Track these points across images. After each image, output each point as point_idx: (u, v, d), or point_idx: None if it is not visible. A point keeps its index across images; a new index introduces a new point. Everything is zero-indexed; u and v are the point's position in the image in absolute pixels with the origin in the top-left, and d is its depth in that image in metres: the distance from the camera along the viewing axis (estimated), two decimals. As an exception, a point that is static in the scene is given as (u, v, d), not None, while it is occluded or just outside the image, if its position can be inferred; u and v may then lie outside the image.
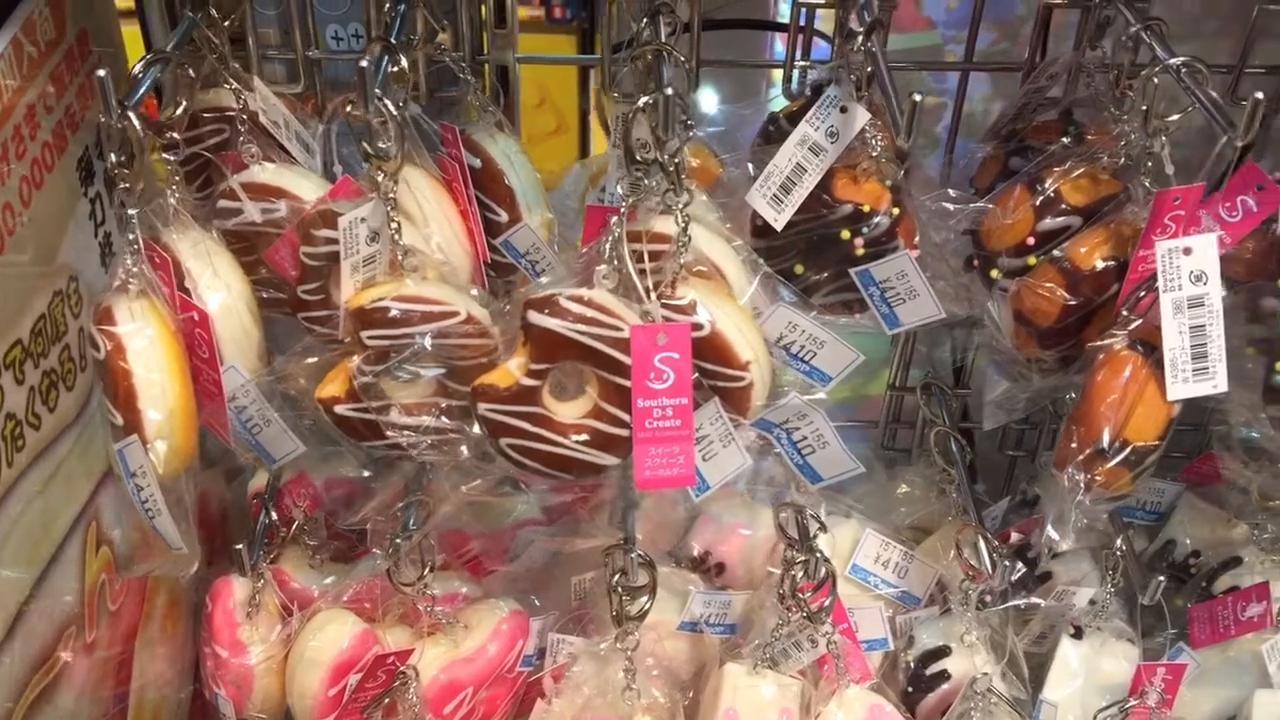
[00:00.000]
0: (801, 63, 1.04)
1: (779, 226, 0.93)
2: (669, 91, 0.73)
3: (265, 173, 0.93)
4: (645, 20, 0.89)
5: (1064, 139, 0.98)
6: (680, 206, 0.79)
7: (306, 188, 0.93)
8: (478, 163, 0.95)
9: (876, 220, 0.93)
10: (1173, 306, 0.83)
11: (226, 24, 0.93)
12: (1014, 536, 1.27)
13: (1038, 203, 0.95)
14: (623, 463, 0.84)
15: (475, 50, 1.02)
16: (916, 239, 0.95)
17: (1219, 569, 1.21)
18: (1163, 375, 0.84)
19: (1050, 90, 1.04)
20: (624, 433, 0.81)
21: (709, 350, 0.83)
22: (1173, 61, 0.84)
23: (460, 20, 1.00)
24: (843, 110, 0.90)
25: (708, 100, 1.27)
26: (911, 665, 1.14)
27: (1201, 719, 1.14)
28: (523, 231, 0.95)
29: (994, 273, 0.97)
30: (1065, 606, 1.17)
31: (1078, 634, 1.15)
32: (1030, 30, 1.11)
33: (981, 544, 1.05)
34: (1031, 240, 0.95)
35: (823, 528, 1.08)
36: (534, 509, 1.25)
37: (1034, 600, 1.19)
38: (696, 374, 0.84)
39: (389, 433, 0.83)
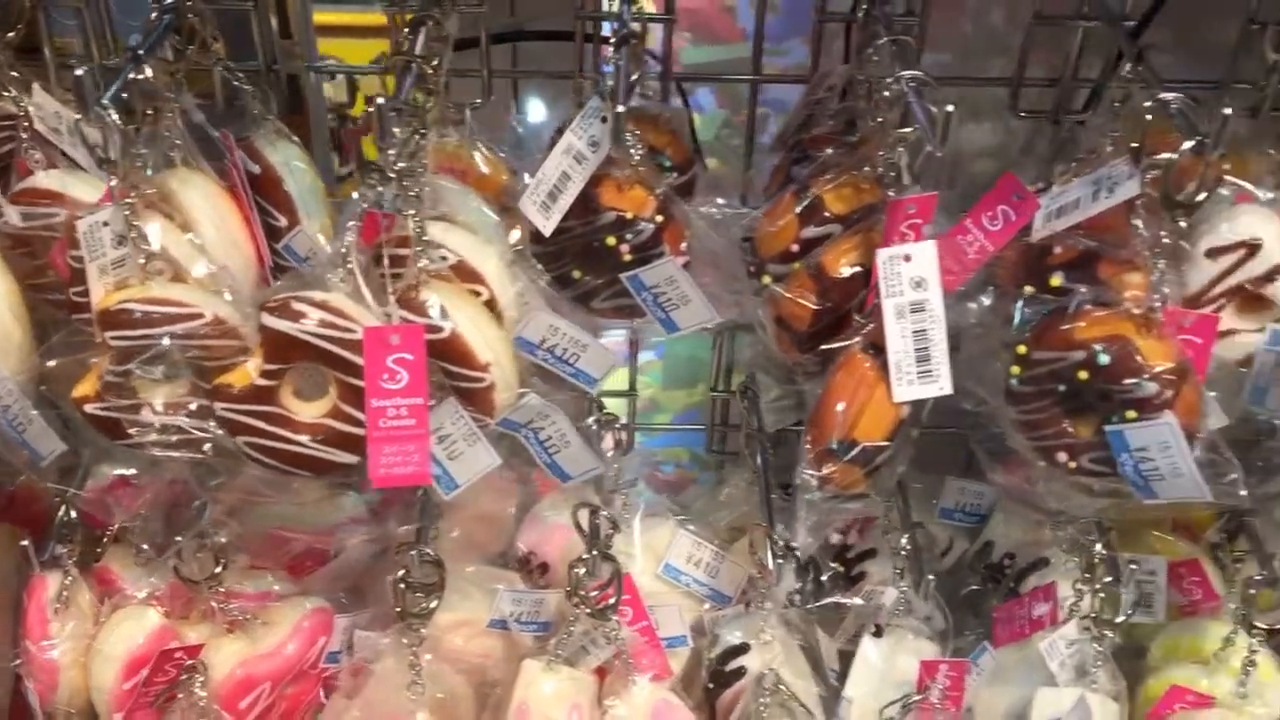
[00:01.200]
0: (587, 75, 1.07)
1: (547, 233, 0.96)
2: (380, 101, 0.75)
3: (47, 178, 0.96)
4: (407, 30, 0.91)
5: (834, 148, 1.00)
6: (410, 213, 0.81)
7: (87, 192, 0.95)
8: (257, 169, 0.98)
9: (641, 227, 0.96)
10: (895, 311, 0.86)
11: (12, 34, 0.96)
12: (834, 537, 1.30)
13: (800, 210, 0.98)
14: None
15: (271, 59, 1.05)
16: (684, 245, 0.98)
17: (1027, 570, 1.24)
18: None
19: (833, 101, 1.07)
20: (361, 431, 0.83)
21: (449, 352, 0.86)
22: (904, 74, 0.87)
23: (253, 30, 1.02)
24: (603, 120, 0.93)
25: (536, 110, 1.30)
26: (712, 662, 1.17)
27: (999, 716, 1.16)
28: (301, 236, 0.98)
29: (765, 279, 1.00)
30: (874, 606, 1.19)
31: (878, 632, 1.17)
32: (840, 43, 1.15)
33: (767, 544, 1.07)
34: (796, 247, 0.98)
35: (615, 527, 1.10)
36: (360, 508, 1.27)
37: (841, 600, 1.21)
38: (441, 375, 0.87)
39: (131, 431, 0.85)
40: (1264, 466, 1.00)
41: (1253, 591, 1.07)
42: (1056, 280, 0.92)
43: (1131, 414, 0.85)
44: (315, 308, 0.82)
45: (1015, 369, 0.90)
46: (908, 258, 0.86)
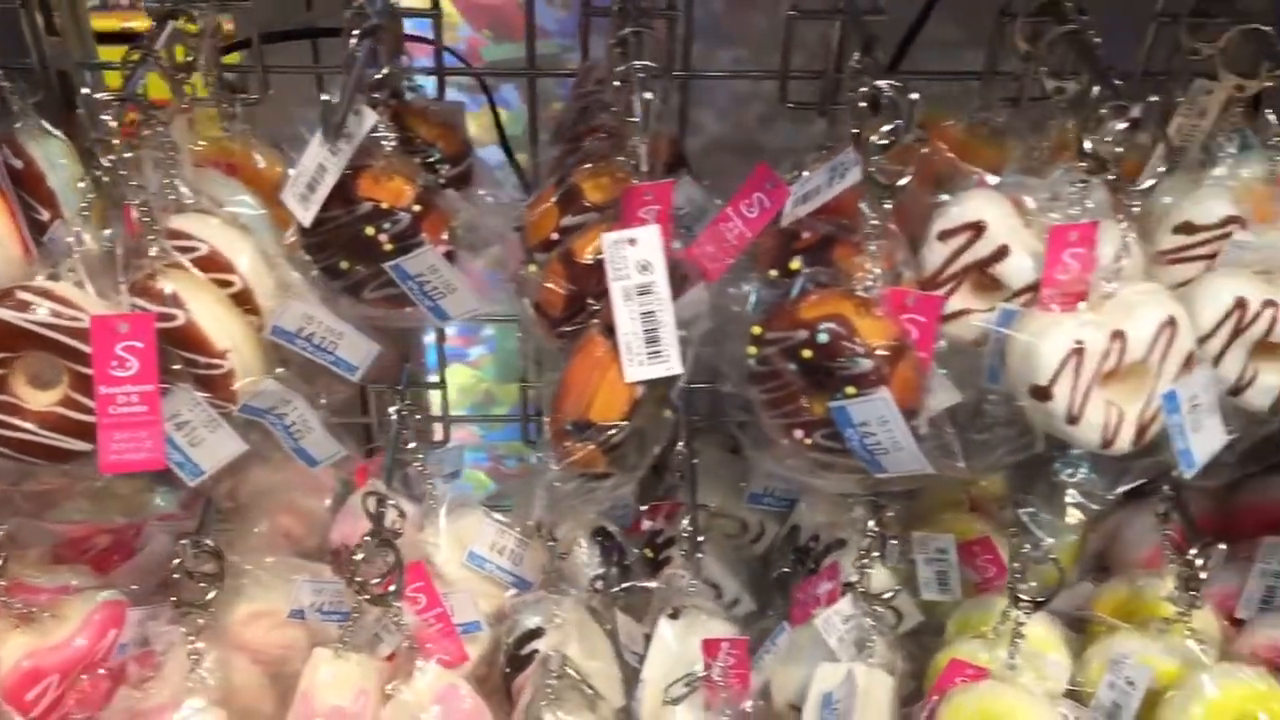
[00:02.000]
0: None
1: (306, 223, 0.97)
2: (83, 92, 0.77)
3: None
4: (154, 25, 0.93)
5: (594, 139, 1.03)
6: (136, 202, 0.83)
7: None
8: (20, 164, 0.99)
9: (398, 216, 0.98)
10: (623, 294, 0.89)
11: None
12: (645, 524, 1.33)
13: (558, 199, 1.00)
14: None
15: (42, 58, 1.06)
16: (445, 235, 1.00)
17: (826, 551, 1.27)
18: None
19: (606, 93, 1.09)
20: (92, 419, 0.85)
21: (184, 339, 0.87)
22: (637, 64, 0.90)
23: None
24: (356, 112, 0.95)
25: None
26: (509, 646, 1.19)
27: (791, 692, 1.19)
28: (61, 228, 0.98)
29: (531, 267, 1.02)
30: (673, 589, 1.21)
31: (675, 614, 1.19)
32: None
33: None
34: (556, 235, 1.01)
35: (402, 514, 1.12)
36: (171, 504, 1.28)
37: (642, 584, 1.24)
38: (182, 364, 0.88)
39: None
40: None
41: (1016, 565, 1.10)
42: (795, 264, 0.95)
43: (851, 390, 0.88)
44: (42, 297, 0.83)
45: (751, 349, 0.93)
46: (633, 241, 0.88)
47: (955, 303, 0.96)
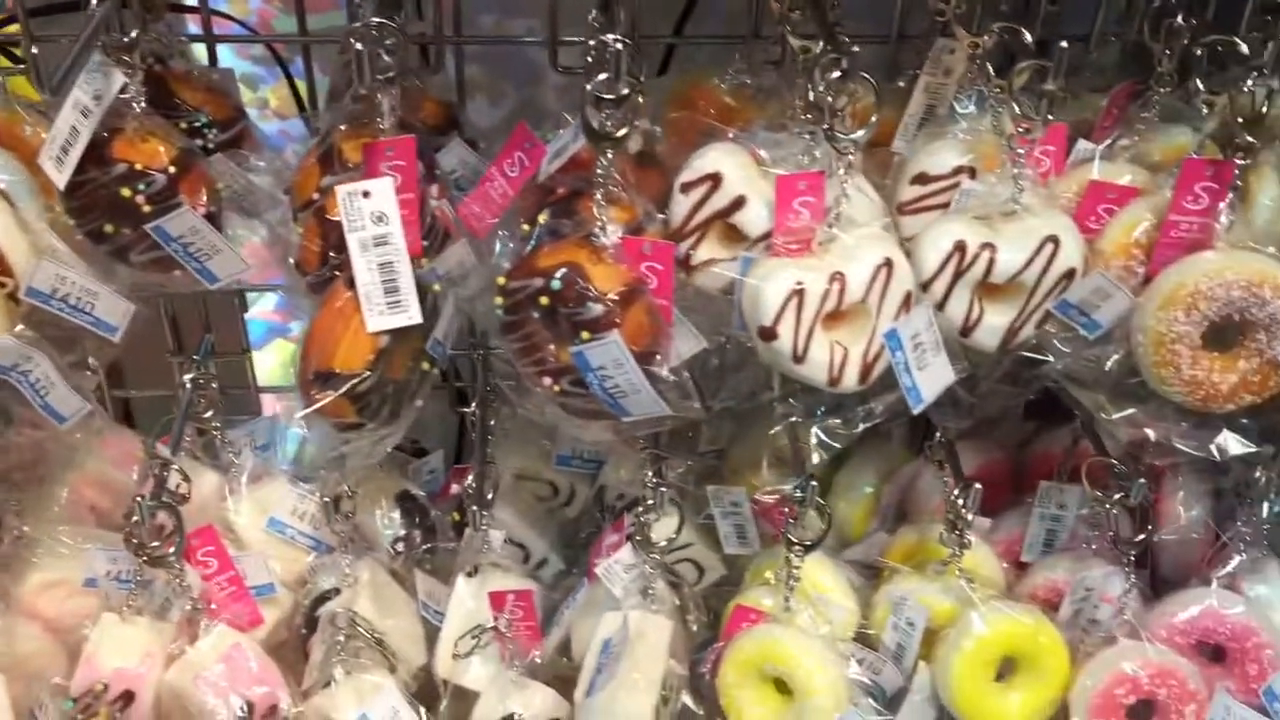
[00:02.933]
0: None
1: (61, 186, 0.98)
2: None
3: None
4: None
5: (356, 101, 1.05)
6: None
7: None
8: None
9: (153, 178, 0.99)
10: (359, 245, 0.91)
11: None
12: (453, 488, 1.35)
13: (318, 158, 1.02)
14: None
15: None
16: (205, 196, 1.01)
17: (627, 508, 1.30)
18: (367, 309, 0.91)
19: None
20: None
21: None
22: (372, 20, 0.92)
23: None
24: (105, 75, 0.96)
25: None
26: (305, 608, 1.21)
27: (585, 643, 1.22)
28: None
29: (295, 227, 1.04)
30: (472, 549, 1.23)
31: (472, 573, 1.22)
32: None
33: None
34: (316, 195, 1.02)
35: (186, 479, 1.14)
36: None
37: (443, 545, 1.27)
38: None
39: None
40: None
41: (786, 510, 1.14)
42: (544, 217, 0.98)
43: (585, 334, 0.91)
44: None
45: (498, 299, 0.95)
46: (366, 194, 0.90)
47: (703, 253, 0.99)
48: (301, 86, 1.28)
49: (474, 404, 1.23)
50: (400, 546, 1.26)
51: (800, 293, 0.91)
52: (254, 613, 1.18)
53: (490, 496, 1.17)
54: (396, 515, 1.27)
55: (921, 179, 1.01)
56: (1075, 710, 1.11)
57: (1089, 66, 1.18)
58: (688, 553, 1.29)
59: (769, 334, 0.92)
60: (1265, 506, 1.12)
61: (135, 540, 1.07)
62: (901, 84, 1.10)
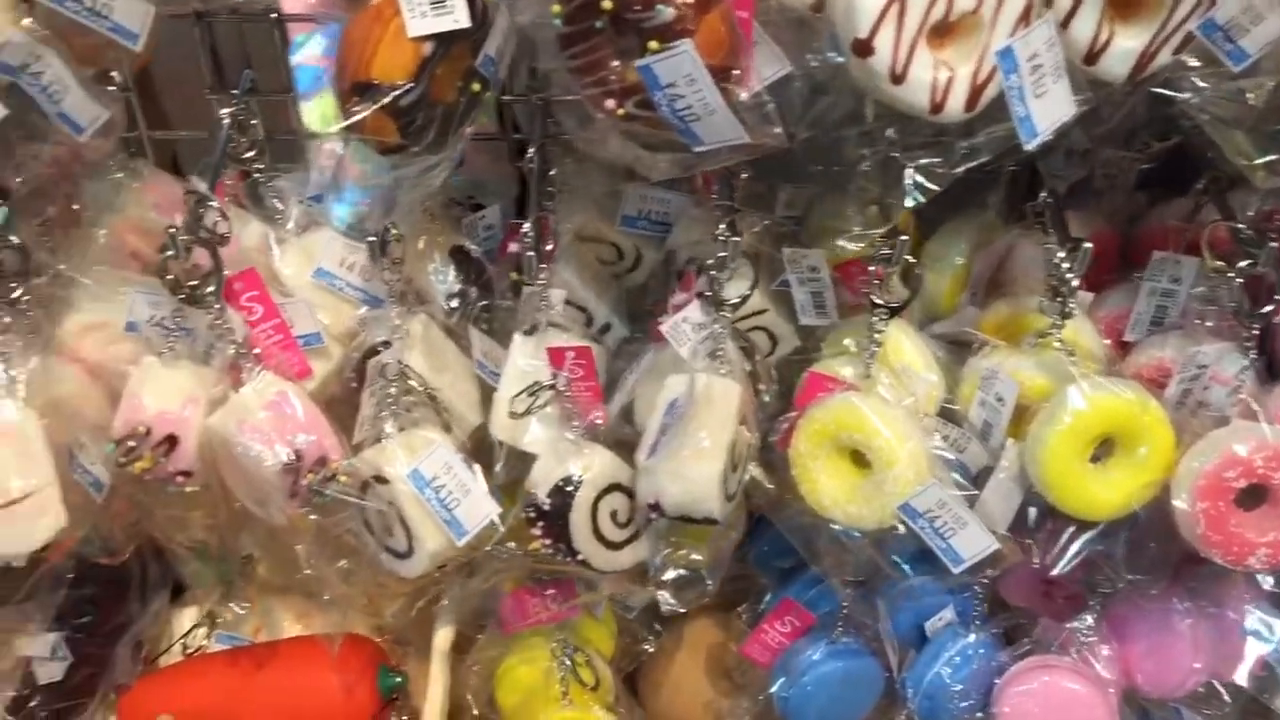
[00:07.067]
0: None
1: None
2: None
3: None
4: None
5: None
6: None
7: None
8: None
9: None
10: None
11: None
12: (511, 246, 1.26)
13: None
14: None
15: None
16: None
17: (698, 271, 1.21)
18: (406, 13, 0.81)
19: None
20: None
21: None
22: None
23: None
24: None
25: None
26: (355, 359, 1.15)
27: (649, 407, 1.15)
28: None
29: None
30: (530, 307, 1.15)
31: (530, 331, 1.14)
32: None
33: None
34: None
35: (224, 216, 1.06)
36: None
37: (496, 301, 1.19)
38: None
39: None
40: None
41: (873, 268, 1.04)
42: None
43: (654, 44, 0.80)
44: None
45: (555, 7, 0.84)
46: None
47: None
48: None
49: (531, 150, 1.13)
50: (455, 303, 1.18)
51: (902, -1, 0.79)
52: (302, 363, 1.12)
53: (549, 248, 1.09)
54: (450, 270, 1.19)
55: None
56: (1178, 492, 1.02)
57: None
58: (761, 320, 1.20)
59: (864, 48, 0.80)
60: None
61: (171, 276, 1.00)
62: None
